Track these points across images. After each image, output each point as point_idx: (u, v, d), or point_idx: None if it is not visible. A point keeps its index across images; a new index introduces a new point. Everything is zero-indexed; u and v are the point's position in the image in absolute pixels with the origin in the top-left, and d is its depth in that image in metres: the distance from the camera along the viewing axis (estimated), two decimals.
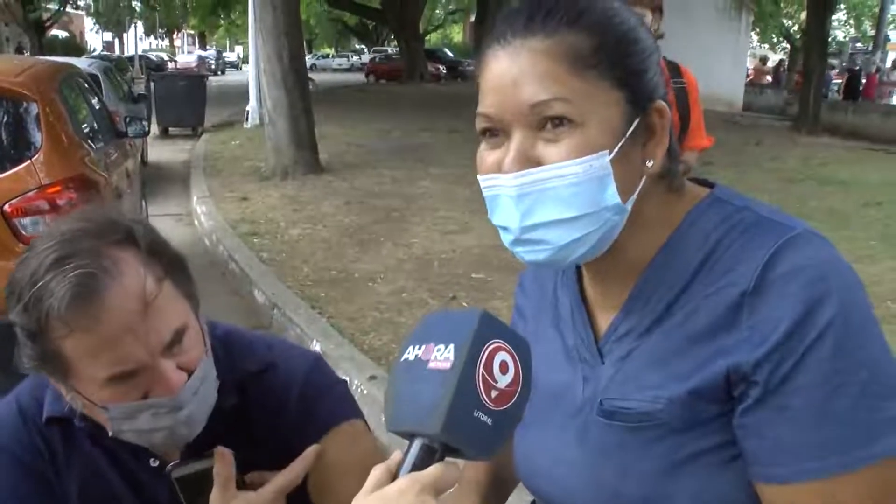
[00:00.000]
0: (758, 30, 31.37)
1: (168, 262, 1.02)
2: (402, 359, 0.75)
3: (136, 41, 36.33)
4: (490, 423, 0.70)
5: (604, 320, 0.90)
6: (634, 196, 0.81)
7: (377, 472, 0.71)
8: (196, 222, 7.67)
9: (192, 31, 65.44)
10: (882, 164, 11.71)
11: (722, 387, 0.77)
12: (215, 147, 12.14)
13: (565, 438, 0.90)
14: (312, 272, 5.45)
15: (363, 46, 54.36)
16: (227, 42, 67.42)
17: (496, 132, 0.81)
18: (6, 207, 3.19)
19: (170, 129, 14.35)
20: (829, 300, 0.72)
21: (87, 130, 4.37)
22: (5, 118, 3.52)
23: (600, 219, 0.78)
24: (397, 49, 33.55)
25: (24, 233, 3.22)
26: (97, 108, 5.17)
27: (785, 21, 32.08)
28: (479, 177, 0.83)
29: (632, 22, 0.82)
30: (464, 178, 8.80)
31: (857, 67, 22.48)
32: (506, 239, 0.83)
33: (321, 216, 7.17)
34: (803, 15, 22.81)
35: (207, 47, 62.28)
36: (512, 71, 0.78)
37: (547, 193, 0.77)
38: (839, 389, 0.72)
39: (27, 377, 1.18)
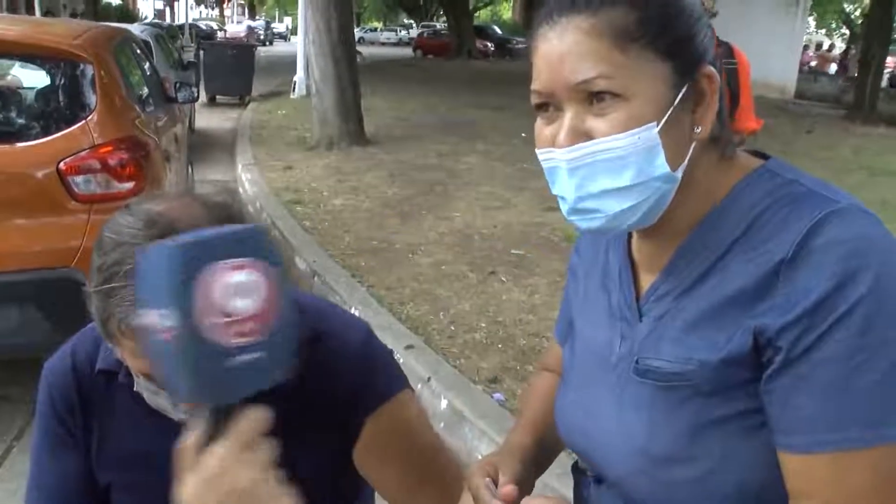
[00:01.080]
0: (815, 15, 30.47)
1: None
2: (146, 326, 0.69)
3: (187, 10, 36.63)
4: (260, 356, 0.65)
5: (647, 281, 0.92)
6: (685, 163, 0.82)
7: (187, 454, 0.72)
8: (241, 189, 7.76)
9: (242, 2, 65.87)
10: None
11: (751, 352, 0.78)
12: (262, 116, 12.25)
13: (601, 394, 0.92)
14: (354, 242, 5.51)
15: (412, 21, 54.17)
16: (277, 13, 67.74)
17: (550, 107, 0.83)
18: (61, 165, 3.26)
19: (217, 97, 14.52)
20: (864, 276, 0.72)
21: (139, 94, 4.44)
22: (62, 80, 3.59)
23: (650, 188, 0.80)
24: (446, 25, 33.36)
25: (76, 190, 3.29)
26: (149, 73, 5.25)
27: (846, 6, 31.09)
28: (536, 150, 0.86)
29: None
30: (508, 156, 8.77)
31: None
32: (563, 208, 0.86)
33: (364, 187, 7.21)
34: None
35: (257, 17, 62.68)
36: (559, 50, 0.80)
37: (598, 166, 0.80)
38: (864, 365, 0.71)
39: (80, 331, 1.23)
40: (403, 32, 52.66)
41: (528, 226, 5.91)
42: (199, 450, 0.71)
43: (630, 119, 0.78)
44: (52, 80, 3.60)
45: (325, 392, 1.17)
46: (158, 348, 0.65)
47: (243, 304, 0.62)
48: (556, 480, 2.26)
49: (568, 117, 0.81)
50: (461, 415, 3.16)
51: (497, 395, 3.31)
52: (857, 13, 29.72)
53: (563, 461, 1.16)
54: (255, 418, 0.72)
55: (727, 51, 3.48)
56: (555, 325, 1.18)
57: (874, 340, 0.71)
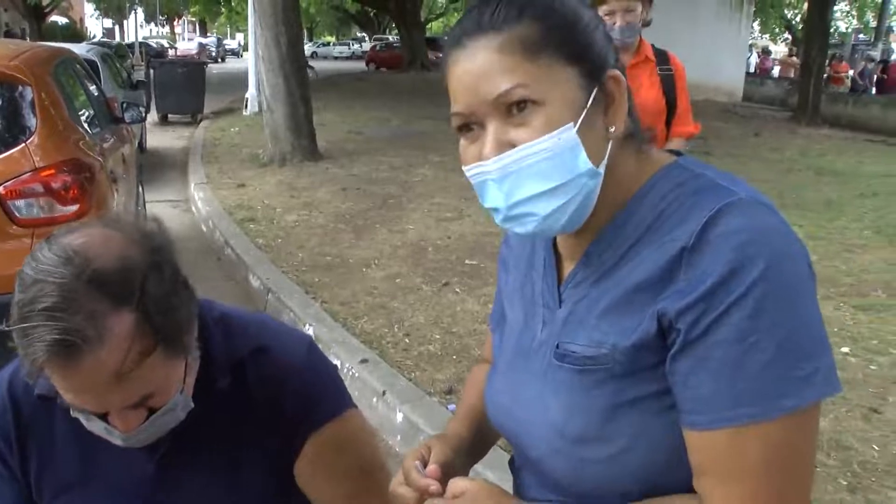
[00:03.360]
0: (759, 20, 31.18)
1: (167, 325, 0.98)
2: None
3: (137, 28, 36.20)
4: None
5: (569, 269, 0.97)
6: (605, 161, 0.87)
7: None
8: (194, 208, 7.69)
9: (193, 19, 65.23)
10: (880, 156, 11.73)
11: (657, 335, 0.82)
12: (214, 134, 12.14)
13: (525, 378, 0.97)
14: (307, 258, 5.48)
15: (364, 35, 54.18)
16: (228, 30, 67.17)
17: (472, 127, 0.88)
18: (0, 190, 3.21)
19: (169, 115, 14.34)
20: (756, 263, 0.76)
21: (82, 115, 4.38)
22: (0, 102, 3.53)
23: (577, 185, 0.84)
24: (398, 37, 33.42)
25: (18, 215, 3.23)
26: (94, 93, 5.18)
27: (787, 11, 31.89)
28: (463, 168, 0.90)
29: (572, 3, 0.88)
30: (461, 167, 8.79)
31: (889, 58, 22.45)
32: (496, 218, 0.89)
33: (318, 203, 7.19)
34: (805, 5, 22.68)
35: (208, 35, 62.08)
36: (473, 70, 0.85)
37: (525, 171, 0.84)
38: (756, 345, 0.76)
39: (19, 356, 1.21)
40: (356, 46, 52.67)
41: (481, 236, 5.94)
42: None
43: (549, 122, 0.82)
44: None
45: (271, 402, 1.18)
46: None
47: None
48: None
49: (490, 131, 0.85)
50: (417, 427, 3.16)
51: (452, 407, 3.31)
52: (798, 19, 30.48)
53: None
54: None
55: (663, 58, 3.59)
56: (489, 315, 1.21)
57: (765, 322, 0.76)
